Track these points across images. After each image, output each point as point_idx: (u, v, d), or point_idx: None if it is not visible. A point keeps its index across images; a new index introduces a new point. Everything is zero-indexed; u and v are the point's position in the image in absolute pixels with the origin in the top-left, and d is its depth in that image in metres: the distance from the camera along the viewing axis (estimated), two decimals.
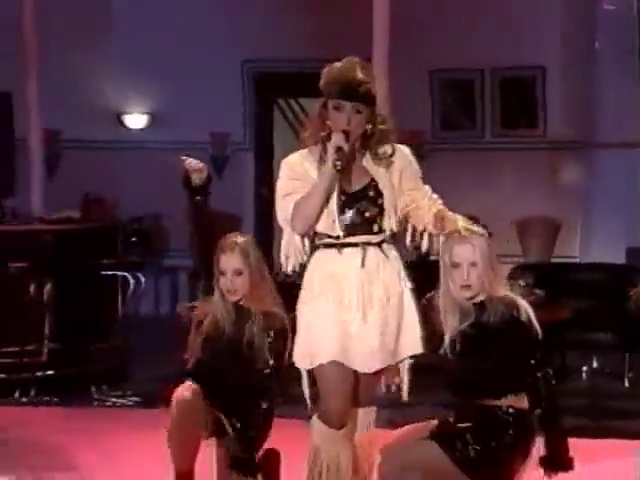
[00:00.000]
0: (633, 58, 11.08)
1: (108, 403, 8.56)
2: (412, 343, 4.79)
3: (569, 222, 11.18)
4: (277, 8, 11.51)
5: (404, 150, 4.90)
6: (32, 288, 8.81)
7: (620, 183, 11.26)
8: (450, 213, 4.61)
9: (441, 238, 4.84)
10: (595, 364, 9.17)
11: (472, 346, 4.40)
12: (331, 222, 4.78)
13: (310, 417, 4.93)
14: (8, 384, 8.55)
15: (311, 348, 4.79)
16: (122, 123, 12.66)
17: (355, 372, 4.78)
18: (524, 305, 4.37)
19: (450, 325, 4.45)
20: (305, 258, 4.86)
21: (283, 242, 4.92)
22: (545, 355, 4.42)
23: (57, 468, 6.31)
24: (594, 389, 8.62)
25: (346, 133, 4.68)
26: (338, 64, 4.79)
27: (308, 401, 4.92)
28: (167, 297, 12.45)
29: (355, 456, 4.88)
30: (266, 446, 5.53)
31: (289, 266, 4.90)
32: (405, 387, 4.90)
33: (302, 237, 4.84)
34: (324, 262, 4.81)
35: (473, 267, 4.35)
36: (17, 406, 8.28)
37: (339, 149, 4.64)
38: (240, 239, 5.23)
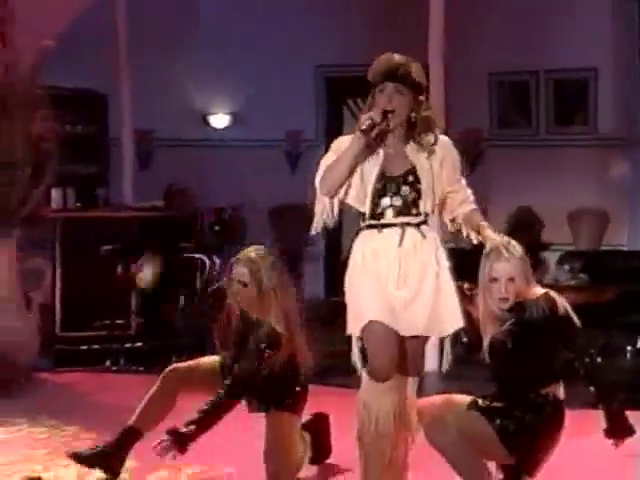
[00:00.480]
0: None
1: None
2: (452, 318, 4.75)
3: (618, 214, 10.99)
4: (347, 20, 11.50)
5: (446, 140, 4.85)
6: (119, 268, 8.92)
7: None
8: (487, 228, 4.65)
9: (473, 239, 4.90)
10: (639, 344, 9.00)
11: (516, 342, 4.45)
12: (373, 204, 4.74)
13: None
14: (100, 354, 8.82)
15: (359, 315, 4.75)
16: (207, 123, 12.70)
17: (399, 336, 4.75)
18: (560, 300, 4.44)
19: (489, 332, 4.55)
20: (334, 221, 4.85)
21: (316, 204, 4.88)
22: (585, 342, 4.43)
23: None
24: (637, 367, 8.48)
25: (385, 112, 4.63)
26: (379, 58, 4.77)
27: (358, 366, 4.89)
28: None
29: (401, 410, 4.82)
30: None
31: (317, 226, 4.88)
32: (446, 359, 4.89)
33: (331, 199, 4.80)
34: (366, 241, 4.78)
35: (511, 282, 4.42)
36: (108, 373, 8.50)
37: (370, 119, 4.59)
38: (254, 254, 5.33)
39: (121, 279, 8.98)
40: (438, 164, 4.76)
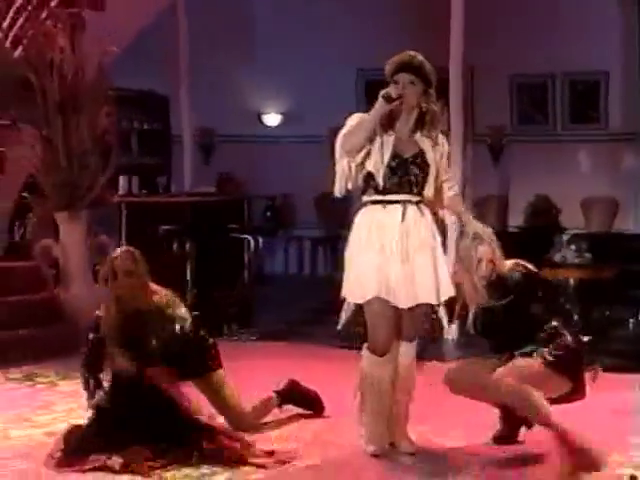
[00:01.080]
0: None
1: (235, 338, 8.50)
2: (446, 287, 4.77)
3: (626, 201, 11.05)
4: (385, 28, 11.40)
5: (445, 140, 4.90)
6: (175, 246, 8.86)
7: None
8: (467, 213, 4.85)
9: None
10: None
11: (506, 310, 4.65)
12: (383, 181, 4.72)
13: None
14: None
15: (360, 287, 4.72)
16: (261, 121, 12.81)
17: (398, 310, 4.73)
18: (529, 264, 4.71)
19: (473, 304, 4.72)
20: (350, 184, 4.78)
21: (336, 168, 4.82)
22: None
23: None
24: (638, 337, 8.43)
25: (399, 96, 4.63)
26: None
27: (340, 323, 4.88)
28: (294, 260, 12.51)
29: (397, 378, 4.83)
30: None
31: (340, 188, 4.81)
32: (444, 324, 4.99)
33: (349, 162, 4.74)
34: (371, 215, 4.75)
35: (490, 262, 4.68)
36: None
37: (385, 93, 4.61)
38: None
39: (177, 256, 8.92)
40: (439, 155, 4.82)
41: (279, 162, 12.00)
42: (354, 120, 4.76)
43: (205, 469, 4.58)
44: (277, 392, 5.40)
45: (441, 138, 4.86)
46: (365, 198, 4.79)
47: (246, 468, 4.59)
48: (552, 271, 8.57)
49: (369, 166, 4.73)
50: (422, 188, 4.75)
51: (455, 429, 5.07)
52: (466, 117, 9.13)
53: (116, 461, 4.54)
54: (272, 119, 12.82)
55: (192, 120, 10.43)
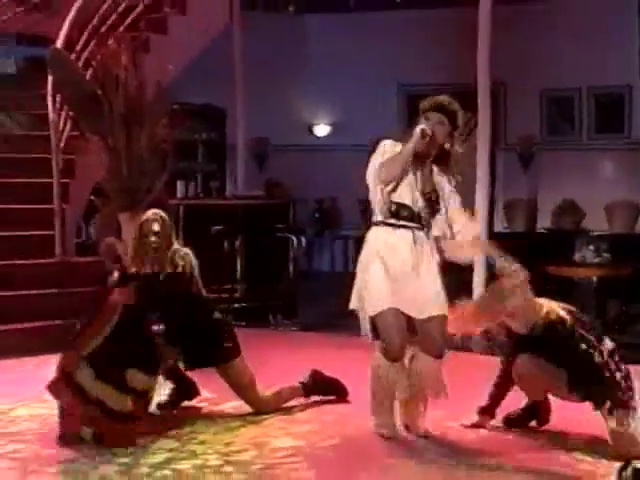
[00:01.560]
0: None
1: (280, 328, 8.62)
2: (442, 305, 4.69)
3: None
4: (423, 47, 11.55)
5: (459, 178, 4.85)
6: (226, 244, 8.98)
7: None
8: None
9: None
10: None
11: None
12: (398, 207, 4.66)
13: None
14: None
15: (371, 298, 4.65)
16: (312, 132, 12.86)
17: (411, 320, 4.67)
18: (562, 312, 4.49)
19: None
20: (385, 210, 4.65)
21: (371, 197, 4.73)
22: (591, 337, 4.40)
23: None
24: None
25: (432, 134, 4.59)
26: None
27: (368, 335, 4.75)
28: (340, 258, 12.51)
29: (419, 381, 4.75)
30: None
31: (379, 213, 4.69)
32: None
33: (382, 190, 4.65)
34: (385, 234, 4.69)
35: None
36: None
37: (422, 129, 4.55)
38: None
39: (228, 253, 9.02)
40: (441, 192, 4.74)
41: (327, 169, 12.06)
42: (388, 150, 4.70)
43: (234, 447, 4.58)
44: (302, 384, 5.37)
45: (445, 183, 4.76)
46: (379, 218, 4.72)
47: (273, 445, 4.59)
48: (572, 269, 8.66)
49: (395, 197, 4.67)
50: (429, 224, 4.73)
51: (469, 414, 4.97)
52: (497, 128, 9.25)
53: (87, 432, 4.54)
54: (322, 130, 12.90)
55: (245, 131, 10.45)
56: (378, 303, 4.64)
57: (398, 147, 4.68)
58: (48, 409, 5.11)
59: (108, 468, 4.31)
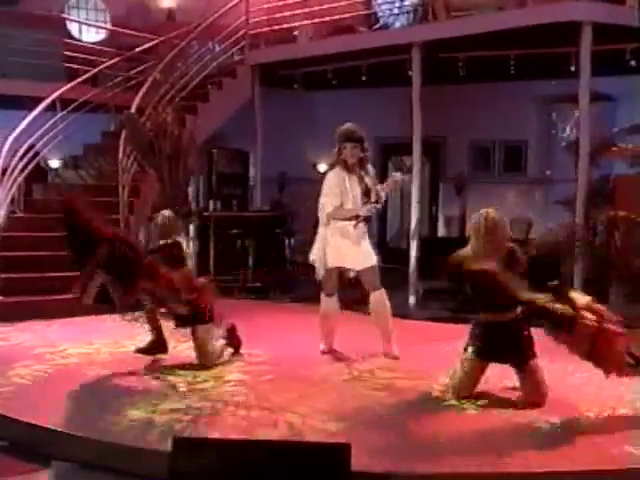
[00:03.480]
0: None
1: (278, 301, 8.56)
2: (373, 258, 5.28)
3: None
4: (393, 112, 10.78)
5: (371, 167, 5.35)
6: (239, 243, 9.23)
7: None
8: None
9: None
10: None
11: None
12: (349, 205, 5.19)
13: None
14: (230, 289, 8.66)
15: (329, 260, 5.22)
16: (315, 168, 12.48)
17: (346, 271, 5.27)
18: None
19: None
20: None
21: (324, 218, 5.20)
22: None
23: (245, 327, 5.96)
24: None
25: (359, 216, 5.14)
26: (342, 127, 5.30)
27: (317, 276, 5.20)
28: None
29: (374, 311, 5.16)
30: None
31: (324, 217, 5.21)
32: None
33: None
34: (339, 224, 5.24)
35: None
36: (235, 300, 8.31)
37: (358, 216, 5.15)
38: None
39: (242, 249, 9.16)
40: (372, 182, 5.31)
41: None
42: (333, 193, 5.18)
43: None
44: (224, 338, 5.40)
45: (370, 169, 5.29)
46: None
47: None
48: None
49: (345, 202, 5.19)
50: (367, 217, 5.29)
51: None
52: (440, 167, 8.99)
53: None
54: (322, 167, 12.00)
55: (261, 167, 10.46)
56: (328, 264, 5.22)
57: (341, 176, 5.18)
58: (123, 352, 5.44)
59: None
